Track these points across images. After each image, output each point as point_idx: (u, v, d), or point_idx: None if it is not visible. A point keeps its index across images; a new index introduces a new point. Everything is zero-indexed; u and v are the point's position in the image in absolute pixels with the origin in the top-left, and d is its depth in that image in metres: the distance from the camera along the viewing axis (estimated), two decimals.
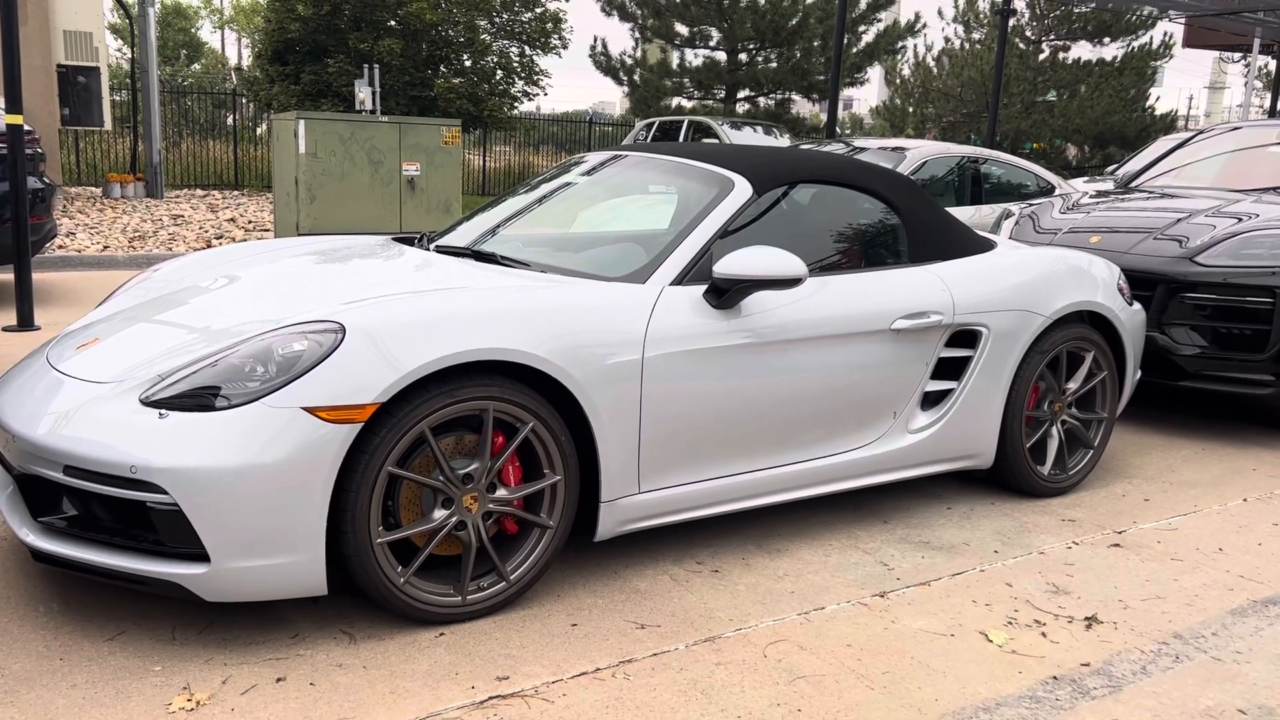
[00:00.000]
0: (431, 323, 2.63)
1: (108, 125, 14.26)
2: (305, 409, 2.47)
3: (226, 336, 2.76)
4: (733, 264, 3.05)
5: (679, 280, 3.14)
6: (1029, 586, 3.22)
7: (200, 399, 2.53)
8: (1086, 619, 3.01)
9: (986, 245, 4.04)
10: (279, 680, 2.45)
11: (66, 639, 2.59)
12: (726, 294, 3.11)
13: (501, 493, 2.81)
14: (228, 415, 2.47)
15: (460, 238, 3.77)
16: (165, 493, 2.41)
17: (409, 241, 3.85)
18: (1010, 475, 3.96)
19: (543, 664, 2.59)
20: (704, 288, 3.14)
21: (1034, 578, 3.29)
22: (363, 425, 2.52)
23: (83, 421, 2.58)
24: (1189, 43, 30.57)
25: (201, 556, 2.46)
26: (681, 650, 2.70)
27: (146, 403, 2.55)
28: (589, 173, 4.12)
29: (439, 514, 2.71)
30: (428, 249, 3.69)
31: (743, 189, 3.40)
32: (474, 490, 2.74)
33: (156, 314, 3.17)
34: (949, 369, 3.72)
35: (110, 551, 2.53)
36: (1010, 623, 2.96)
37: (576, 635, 2.75)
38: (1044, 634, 2.91)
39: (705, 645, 2.74)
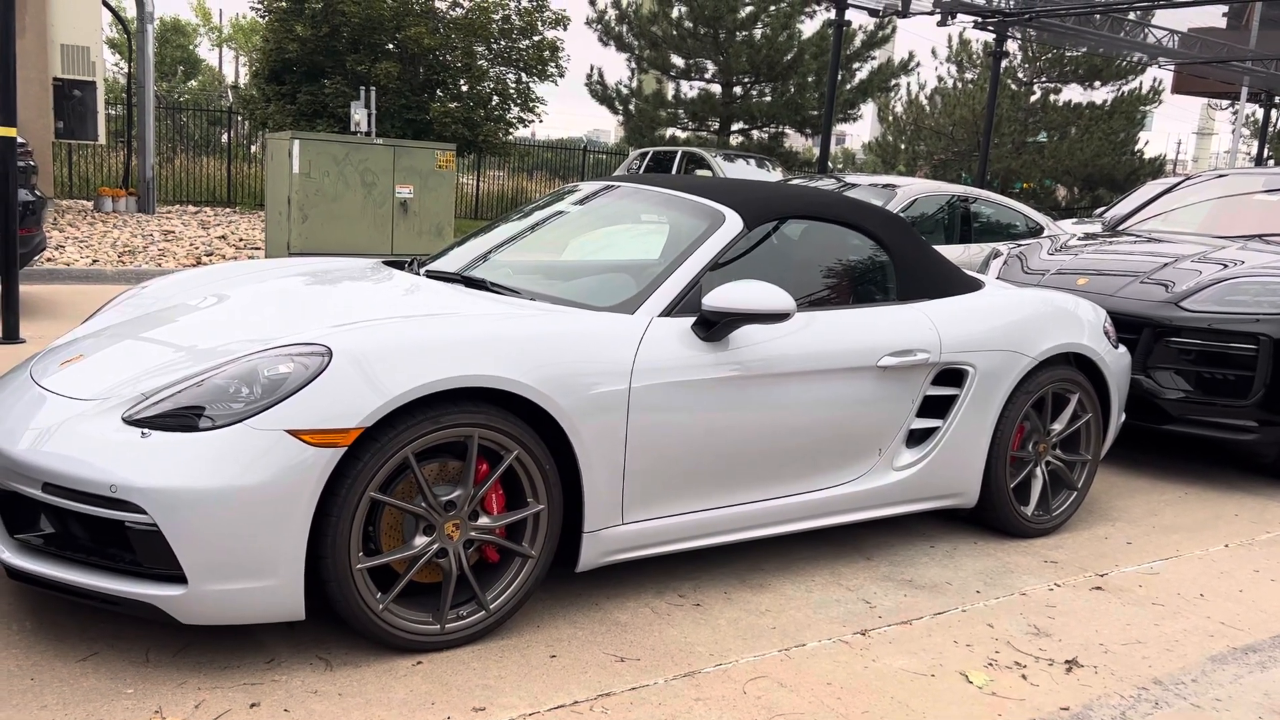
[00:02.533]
0: (419, 348, 2.63)
1: (102, 139, 14.27)
2: (289, 431, 2.45)
3: (213, 356, 2.75)
4: (722, 297, 3.06)
5: (668, 311, 3.15)
6: (1010, 627, 3.21)
7: (184, 419, 2.51)
8: (1067, 662, 3.00)
9: (974, 285, 4.06)
10: (253, 706, 2.42)
11: (38, 658, 2.55)
12: (715, 326, 3.12)
13: (484, 520, 2.79)
14: (210, 436, 2.46)
15: (451, 263, 3.78)
16: (144, 513, 2.39)
17: (399, 266, 3.85)
18: (994, 515, 3.96)
19: (520, 695, 2.57)
20: (692, 320, 3.15)
21: (1016, 619, 3.28)
22: (346, 449, 2.51)
23: (64, 438, 2.56)
24: (1178, 89, 31.04)
25: (179, 578, 2.43)
26: (660, 685, 2.68)
27: (129, 421, 2.54)
28: (582, 201, 4.14)
29: (420, 541, 2.69)
30: (418, 274, 3.69)
31: (733, 223, 3.42)
32: (456, 517, 2.73)
33: (143, 331, 3.15)
34: (935, 407, 3.73)
35: (86, 571, 2.50)
36: (991, 664, 2.96)
37: (555, 667, 2.73)
38: (1024, 676, 2.90)
39: (685, 680, 2.72)
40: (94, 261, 9.89)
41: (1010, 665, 2.95)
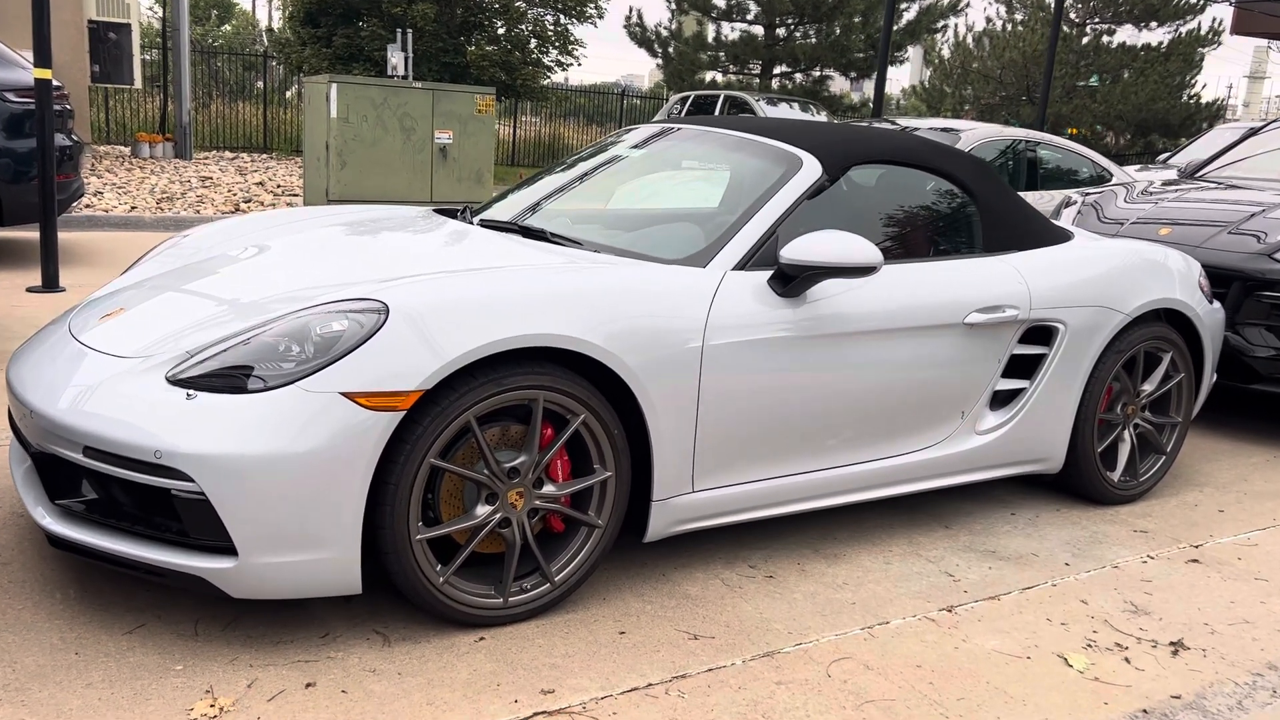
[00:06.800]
0: (480, 305, 2.43)
1: (138, 84, 14.13)
2: (344, 394, 2.27)
3: (259, 312, 2.57)
4: (801, 249, 2.83)
5: (742, 265, 2.92)
6: (1106, 604, 3.00)
7: (231, 379, 2.34)
8: (1172, 644, 2.79)
9: (1064, 235, 3.79)
10: (308, 686, 2.27)
11: (83, 630, 2.42)
12: (794, 281, 2.89)
13: (549, 489, 2.61)
14: (260, 398, 2.28)
15: (504, 212, 3.56)
16: (191, 480, 2.23)
17: (451, 215, 3.64)
18: (1078, 481, 3.73)
19: (590, 676, 2.40)
20: (768, 274, 2.92)
21: (1110, 595, 3.07)
22: (405, 413, 2.33)
23: (105, 399, 2.39)
24: (1237, 29, 29.81)
25: (229, 550, 2.27)
26: (739, 666, 2.51)
27: (174, 381, 2.36)
28: (640, 145, 3.89)
29: (482, 510, 2.52)
30: (471, 222, 3.48)
31: (811, 168, 3.17)
32: (520, 485, 2.55)
33: (185, 283, 2.98)
34: (1021, 367, 3.49)
35: (131, 540, 2.35)
36: (1090, 645, 2.75)
37: (625, 645, 2.56)
38: (1127, 659, 2.69)
39: (764, 661, 2.54)
40: (132, 208, 9.78)
41: (1111, 647, 2.75)
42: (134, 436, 2.27)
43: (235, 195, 11.37)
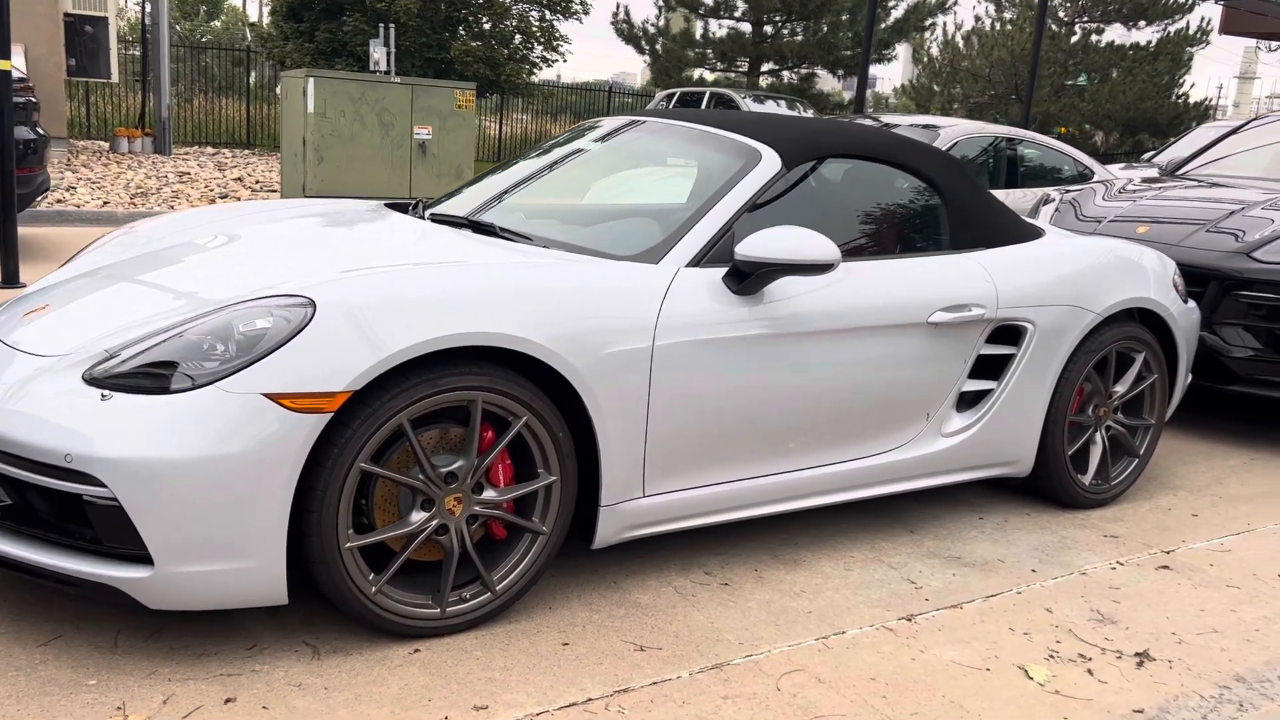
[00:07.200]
0: (415, 301, 2.32)
1: (114, 77, 13.93)
2: (267, 395, 2.16)
3: (184, 309, 2.45)
4: (757, 245, 2.72)
5: (696, 261, 2.82)
6: (1071, 613, 2.91)
7: (150, 380, 2.22)
8: (1137, 655, 2.70)
9: (1033, 233, 3.69)
10: (228, 701, 2.16)
11: None
12: (749, 278, 2.79)
13: (489, 494, 2.50)
14: (179, 399, 2.17)
15: (458, 206, 3.45)
16: (104, 485, 2.12)
17: (403, 209, 3.53)
18: (1048, 484, 3.64)
19: (527, 691, 2.29)
20: (723, 270, 2.82)
21: (1077, 603, 2.97)
22: (332, 416, 2.22)
23: (18, 399, 2.28)
24: (1226, 29, 29.80)
25: (144, 559, 2.16)
26: (685, 679, 2.41)
27: (90, 381, 2.25)
28: (604, 139, 3.79)
29: (417, 516, 2.41)
30: (422, 217, 3.37)
31: (771, 161, 3.07)
32: (458, 491, 2.44)
33: (110, 282, 2.85)
34: (988, 367, 3.39)
35: (44, 548, 2.23)
36: (1052, 656, 2.66)
37: (567, 657, 2.46)
38: (1090, 671, 2.60)
39: (712, 673, 2.44)
40: (105, 203, 9.63)
41: (1074, 658, 2.65)
42: (45, 439, 2.16)
43: (212, 191, 11.23)
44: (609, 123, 3.84)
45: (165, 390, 2.20)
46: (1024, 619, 2.85)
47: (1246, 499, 4.00)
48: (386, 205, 3.56)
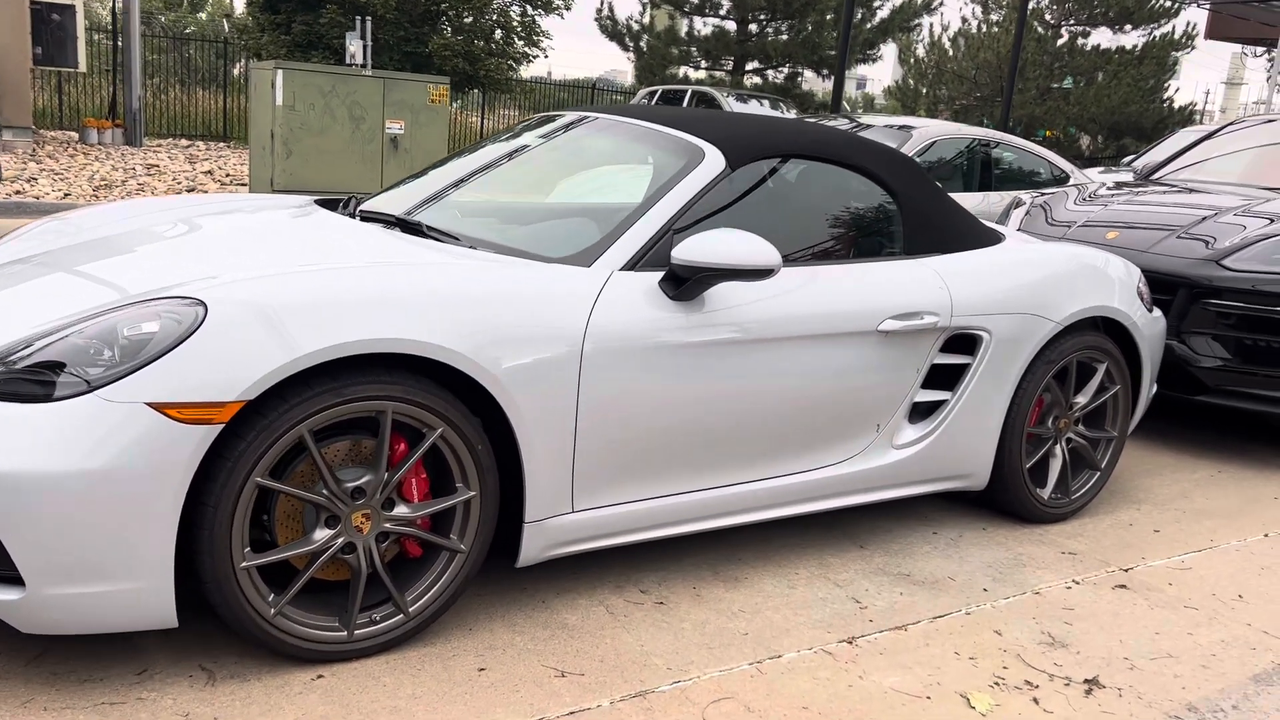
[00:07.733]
0: (318, 305, 2.17)
1: (82, 66, 13.69)
2: (151, 405, 2.01)
3: (73, 311, 2.29)
4: (692, 249, 2.59)
5: (631, 265, 2.68)
6: (1021, 636, 2.78)
7: (31, 386, 2.07)
8: (1086, 681, 2.57)
9: (993, 238, 3.57)
10: None
11: None
12: (686, 283, 2.65)
13: (401, 510, 2.36)
14: (56, 409, 2.02)
15: (390, 203, 3.29)
16: None
17: (333, 205, 3.38)
18: (1006, 498, 3.51)
19: None
20: (660, 275, 2.68)
21: (1027, 624, 2.85)
22: (224, 426, 2.07)
23: None
24: (1212, 34, 29.86)
25: (15, 580, 2.01)
26: (605, 708, 2.27)
27: None
28: (550, 135, 3.64)
29: (321, 534, 2.27)
30: (353, 214, 3.22)
31: (714, 161, 2.93)
32: (366, 507, 2.29)
33: (23, 279, 2.69)
34: (943, 377, 3.26)
35: None
36: (997, 683, 2.53)
37: (482, 684, 2.31)
38: (1035, 700, 2.47)
39: (634, 701, 2.30)
40: (65, 195, 9.43)
41: (1020, 685, 2.53)
42: None
43: (179, 184, 11.03)
44: (556, 118, 3.70)
45: (48, 398, 2.04)
46: (971, 642, 2.72)
47: (1211, 514, 3.89)
48: (316, 202, 3.41)
